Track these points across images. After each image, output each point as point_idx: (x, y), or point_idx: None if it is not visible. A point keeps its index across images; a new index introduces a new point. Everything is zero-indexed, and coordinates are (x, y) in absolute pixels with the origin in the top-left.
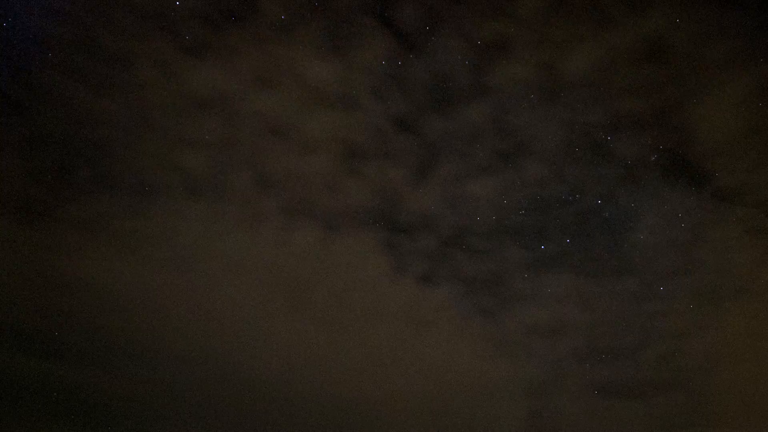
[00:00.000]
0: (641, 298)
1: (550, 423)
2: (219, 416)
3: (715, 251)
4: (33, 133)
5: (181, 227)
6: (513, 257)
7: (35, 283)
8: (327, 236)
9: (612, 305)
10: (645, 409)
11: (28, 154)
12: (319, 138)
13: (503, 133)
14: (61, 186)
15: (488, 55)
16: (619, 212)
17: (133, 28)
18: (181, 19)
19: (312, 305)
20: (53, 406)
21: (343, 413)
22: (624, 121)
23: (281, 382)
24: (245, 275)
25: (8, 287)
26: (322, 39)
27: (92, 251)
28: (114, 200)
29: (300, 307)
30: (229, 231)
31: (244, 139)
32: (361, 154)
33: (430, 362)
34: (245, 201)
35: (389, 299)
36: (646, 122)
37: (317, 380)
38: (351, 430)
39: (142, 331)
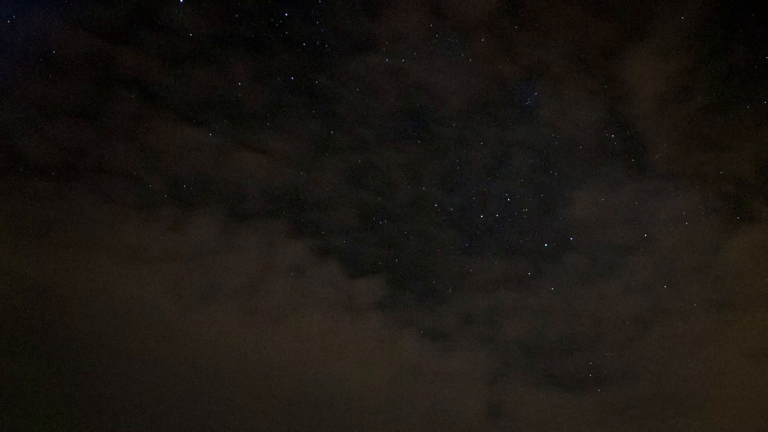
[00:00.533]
0: (590, 279)
1: (499, 416)
2: (130, 413)
3: (669, 226)
4: None
5: (62, 208)
6: (438, 237)
7: None
8: (230, 220)
9: (558, 288)
10: (601, 402)
11: None
12: (196, 102)
13: (406, 90)
14: None
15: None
16: (552, 181)
17: None
18: None
19: (225, 295)
20: None
21: (276, 407)
22: (547, 74)
23: (201, 375)
24: (143, 264)
25: None
26: None
27: None
28: None
29: (212, 297)
30: (118, 213)
31: (116, 105)
32: (248, 124)
33: (365, 352)
34: (131, 179)
35: (313, 286)
36: (572, 77)
37: (242, 372)
38: (284, 427)
39: (38, 325)
